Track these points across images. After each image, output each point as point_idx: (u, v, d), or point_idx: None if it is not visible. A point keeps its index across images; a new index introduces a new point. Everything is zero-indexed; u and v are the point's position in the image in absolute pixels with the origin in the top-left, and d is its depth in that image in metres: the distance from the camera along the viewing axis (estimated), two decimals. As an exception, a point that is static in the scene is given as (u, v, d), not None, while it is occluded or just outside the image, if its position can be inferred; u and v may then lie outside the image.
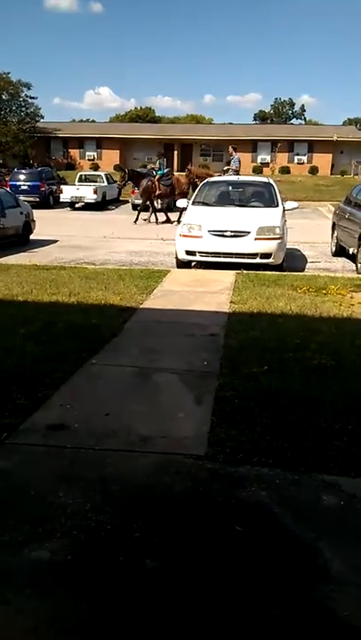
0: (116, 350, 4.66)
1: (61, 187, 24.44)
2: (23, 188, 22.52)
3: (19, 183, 23.16)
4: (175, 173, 20.05)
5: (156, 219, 17.06)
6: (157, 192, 16.82)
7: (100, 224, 17.07)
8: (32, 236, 12.85)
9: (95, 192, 23.05)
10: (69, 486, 2.51)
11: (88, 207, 22.93)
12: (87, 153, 41.23)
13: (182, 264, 9.20)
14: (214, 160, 41.60)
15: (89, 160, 40.11)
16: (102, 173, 27.39)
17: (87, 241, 13.30)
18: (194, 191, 17.72)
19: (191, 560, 2.06)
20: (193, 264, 9.21)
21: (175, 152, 40.70)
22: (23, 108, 40.24)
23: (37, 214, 13.48)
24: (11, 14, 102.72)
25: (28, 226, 12.73)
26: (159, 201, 17.35)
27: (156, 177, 16.91)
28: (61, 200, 23.61)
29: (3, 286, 7.00)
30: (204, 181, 11.20)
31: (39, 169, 26.69)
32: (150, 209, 17.20)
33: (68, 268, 8.79)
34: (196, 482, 2.59)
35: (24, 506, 2.35)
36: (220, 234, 8.75)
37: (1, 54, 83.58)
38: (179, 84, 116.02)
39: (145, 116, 61.39)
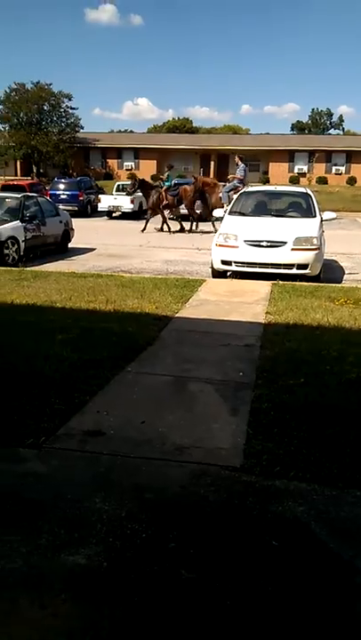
0: (152, 359, 4.69)
1: (99, 196, 24.87)
2: (62, 197, 23.03)
3: (58, 192, 23.70)
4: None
5: (169, 228, 17.37)
6: (164, 202, 17.20)
7: (137, 233, 17.25)
8: (70, 245, 13.09)
9: (132, 201, 23.32)
10: (105, 493, 2.52)
11: (125, 216, 23.23)
12: (125, 163, 41.85)
13: (218, 274, 9.20)
14: (251, 170, 41.53)
15: (127, 170, 40.70)
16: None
17: (123, 249, 13.46)
18: (201, 199, 18.15)
19: (227, 573, 2.04)
20: (228, 274, 9.20)
21: (212, 162, 40.89)
22: (64, 119, 41.14)
23: (75, 223, 13.73)
24: (53, 28, 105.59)
25: (67, 234, 12.97)
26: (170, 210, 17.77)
27: (164, 188, 17.35)
28: (99, 209, 24.01)
29: (42, 293, 7.15)
30: (241, 191, 11.20)
31: (78, 178, 27.26)
32: (178, 219, 17.66)
33: (105, 276, 8.90)
34: (231, 494, 2.57)
35: (60, 510, 2.38)
36: (257, 244, 8.72)
37: (43, 66, 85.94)
38: (216, 94, 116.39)
39: (182, 126, 61.88)
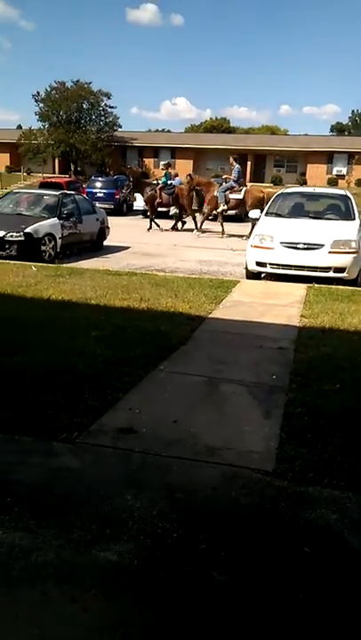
0: (184, 358, 4.68)
1: (135, 195, 24.98)
2: (99, 195, 23.28)
3: (95, 190, 23.96)
4: (248, 184, 20.19)
5: (157, 225, 17.54)
6: (158, 200, 17.34)
7: (171, 232, 17.29)
8: (106, 242, 13.21)
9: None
10: (136, 490, 2.53)
11: (160, 215, 23.29)
12: (161, 162, 41.97)
13: (252, 275, 9.13)
14: (288, 171, 41.24)
15: (162, 169, 40.83)
16: (176, 182, 27.71)
17: (158, 248, 13.50)
18: (198, 198, 18.08)
19: (258, 578, 2.01)
20: (263, 275, 9.12)
21: (248, 163, 40.65)
22: (102, 117, 41.58)
23: (111, 221, 13.85)
24: (94, 28, 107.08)
25: (103, 232, 13.10)
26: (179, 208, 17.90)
27: (159, 186, 17.52)
28: (134, 208, 24.14)
29: (77, 290, 7.23)
30: (278, 192, 11.08)
31: (115, 177, 27.48)
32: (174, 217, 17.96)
33: (139, 275, 8.95)
34: (263, 498, 2.54)
35: (92, 505, 2.40)
36: (293, 246, 8.62)
37: (84, 65, 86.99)
38: (255, 94, 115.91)
39: (220, 126, 61.75)
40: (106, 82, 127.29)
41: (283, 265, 8.68)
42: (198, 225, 17.10)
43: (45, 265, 9.60)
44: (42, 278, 8.05)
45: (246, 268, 9.24)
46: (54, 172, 39.87)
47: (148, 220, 18.11)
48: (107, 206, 19.64)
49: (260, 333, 5.52)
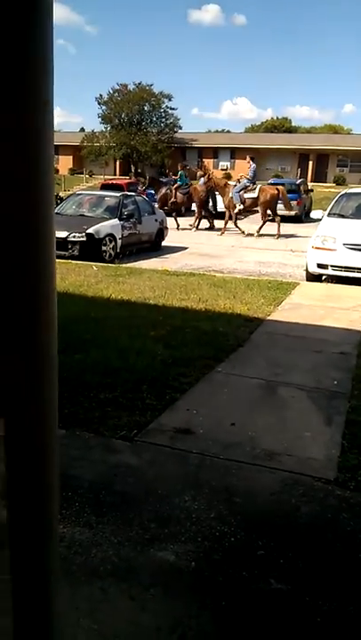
0: (242, 360, 4.64)
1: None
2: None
3: (154, 191, 24.19)
4: (309, 184, 19.90)
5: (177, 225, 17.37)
6: (172, 199, 17.29)
7: (229, 232, 17.21)
8: (164, 243, 13.32)
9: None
10: (195, 491, 2.52)
11: (218, 215, 23.25)
12: (221, 162, 41.93)
13: (312, 277, 8.94)
14: (352, 171, 40.07)
15: (222, 170, 40.71)
16: (233, 183, 27.64)
17: (215, 249, 13.47)
18: (212, 199, 17.88)
19: (318, 588, 1.96)
20: (324, 278, 8.91)
21: (310, 162, 39.89)
22: (163, 119, 41.94)
23: (169, 221, 13.95)
24: (155, 30, 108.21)
25: (162, 232, 13.22)
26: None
27: (175, 185, 17.53)
28: (193, 208, 24.20)
29: (136, 289, 7.32)
30: (342, 192, 10.78)
31: (174, 178, 27.64)
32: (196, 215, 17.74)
33: (197, 275, 8.96)
34: (324, 507, 2.47)
35: (151, 504, 2.41)
36: (357, 247, 8.37)
37: (146, 67, 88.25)
38: (318, 93, 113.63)
39: (281, 126, 60.88)
40: (167, 83, 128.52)
41: (345, 267, 8.44)
42: (223, 225, 17.10)
43: (106, 265, 9.80)
44: (102, 278, 8.21)
45: (307, 270, 9.05)
46: (115, 174, 40.61)
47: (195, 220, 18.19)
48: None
49: (321, 337, 5.39)
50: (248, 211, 17.09)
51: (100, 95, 41.86)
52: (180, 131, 42.71)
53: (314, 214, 11.21)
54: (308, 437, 3.18)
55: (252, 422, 3.37)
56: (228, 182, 17.45)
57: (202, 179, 17.81)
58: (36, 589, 1.10)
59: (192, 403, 3.63)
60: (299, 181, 26.09)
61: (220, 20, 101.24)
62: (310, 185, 29.06)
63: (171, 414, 3.42)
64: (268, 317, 6.15)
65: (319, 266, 8.73)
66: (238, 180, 16.92)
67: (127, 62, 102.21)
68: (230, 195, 16.27)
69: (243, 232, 16.67)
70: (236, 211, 16.49)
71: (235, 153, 41.68)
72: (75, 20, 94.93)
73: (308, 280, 8.93)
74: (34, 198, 0.88)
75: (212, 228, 17.69)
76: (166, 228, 13.50)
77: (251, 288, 7.72)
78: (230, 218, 16.77)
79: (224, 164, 41.67)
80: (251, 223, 16.89)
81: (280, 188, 16.94)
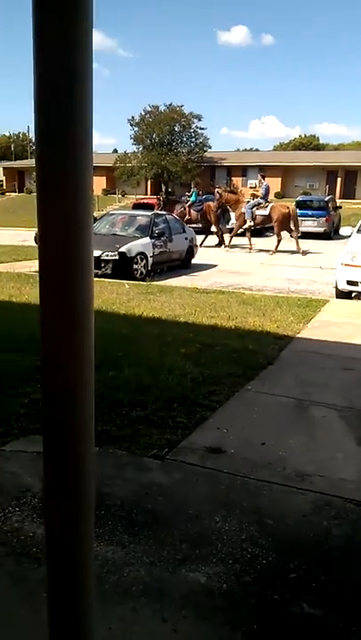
0: (272, 379, 4.62)
1: (230, 213, 25.22)
2: (187, 214, 23.67)
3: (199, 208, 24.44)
4: (337, 201, 19.89)
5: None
6: (187, 217, 17.44)
7: (258, 250, 17.20)
8: (194, 260, 13.41)
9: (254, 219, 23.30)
10: (225, 512, 2.52)
11: (255, 233, 23.28)
12: (250, 181, 41.93)
13: (342, 294, 8.85)
14: (382, 187, 39.61)
15: (250, 188, 40.80)
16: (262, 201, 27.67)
17: (245, 266, 13.48)
18: (224, 216, 17.98)
19: (352, 613, 1.93)
20: (353, 295, 8.81)
21: (338, 179, 39.66)
22: (193, 139, 42.41)
23: (199, 239, 14.05)
24: (186, 52, 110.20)
25: (192, 250, 13.33)
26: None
27: (188, 203, 17.91)
28: (228, 226, 24.33)
29: (167, 307, 7.39)
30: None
31: (203, 196, 27.88)
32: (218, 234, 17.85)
33: (227, 293, 8.98)
34: (356, 530, 2.44)
35: (182, 524, 2.42)
36: (388, 265, 8.27)
37: (176, 88, 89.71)
38: (346, 110, 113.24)
39: (309, 143, 60.90)
40: (197, 104, 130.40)
41: (376, 284, 8.35)
42: (227, 241, 17.25)
43: (137, 282, 9.92)
44: (134, 295, 8.31)
45: (336, 287, 8.97)
46: (146, 193, 41.13)
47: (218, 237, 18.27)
48: (195, 225, 19.95)
49: (352, 355, 5.33)
50: (258, 227, 17.30)
51: (132, 117, 42.67)
52: (209, 150, 43.10)
53: (343, 231, 11.14)
54: (340, 458, 3.14)
55: (283, 442, 3.35)
56: (241, 198, 17.69)
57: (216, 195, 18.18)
58: (71, 608, 1.13)
59: (222, 421, 3.64)
60: (327, 198, 25.98)
61: (249, 40, 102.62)
62: (339, 202, 28.87)
63: (201, 433, 3.43)
64: (298, 335, 6.12)
65: (349, 283, 8.65)
66: (252, 197, 17.15)
67: (158, 84, 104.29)
68: (242, 210, 16.57)
69: (250, 248, 16.88)
70: (246, 226, 16.73)
71: (263, 170, 41.73)
72: (108, 45, 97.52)
73: (337, 297, 8.85)
74: (76, 221, 0.94)
75: (220, 244, 17.83)
76: (196, 245, 13.62)
77: (280, 305, 7.70)
78: (238, 232, 17.06)
79: (253, 181, 41.55)
80: (274, 241, 16.82)
81: (291, 206, 17.17)
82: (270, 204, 16.67)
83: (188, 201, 18.51)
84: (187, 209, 17.92)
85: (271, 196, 22.58)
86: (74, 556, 1.11)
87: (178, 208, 18.16)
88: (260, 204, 16.48)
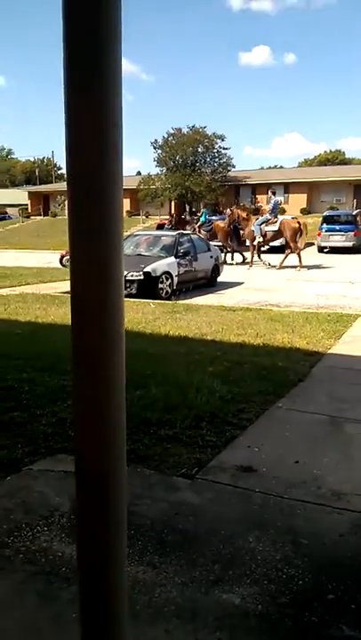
0: (303, 396, 4.53)
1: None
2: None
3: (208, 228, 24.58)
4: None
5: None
6: None
7: (283, 266, 17.11)
8: (219, 279, 13.41)
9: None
10: (259, 532, 2.45)
11: (273, 250, 23.21)
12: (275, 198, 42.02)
13: (373, 309, 8.70)
14: None
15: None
16: (289, 217, 27.64)
17: (271, 283, 13.41)
18: (235, 233, 18.12)
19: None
20: (385, 309, 8.65)
21: (365, 193, 39.31)
22: (216, 159, 42.74)
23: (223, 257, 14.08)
24: (208, 74, 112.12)
25: (217, 269, 13.35)
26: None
27: (198, 224, 18.22)
28: (247, 244, 24.35)
29: (193, 325, 7.37)
30: None
31: (198, 216, 28.14)
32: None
33: (254, 310, 8.92)
34: None
35: (214, 545, 2.36)
36: None
37: (199, 109, 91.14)
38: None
39: (334, 158, 60.78)
40: (220, 124, 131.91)
41: None
42: (250, 259, 17.46)
43: (162, 302, 9.95)
44: (160, 314, 8.33)
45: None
46: (170, 214, 41.57)
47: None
48: (219, 244, 20.04)
49: (385, 371, 5.20)
50: (268, 243, 17.54)
51: (156, 140, 43.35)
52: (233, 169, 43.35)
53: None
54: (376, 476, 3.03)
55: (317, 460, 3.26)
56: (250, 215, 18.23)
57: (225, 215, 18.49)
58: (103, 630, 1.09)
59: (253, 439, 3.57)
60: (355, 212, 25.81)
61: (271, 60, 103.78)
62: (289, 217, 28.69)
63: (231, 451, 3.37)
64: (329, 351, 6.01)
65: (380, 297, 8.51)
66: (261, 214, 17.67)
67: (181, 106, 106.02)
68: (252, 227, 16.84)
69: (263, 263, 17.30)
70: (255, 242, 16.95)
71: (288, 188, 41.73)
72: (132, 70, 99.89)
73: (368, 312, 8.70)
74: (107, 242, 0.94)
75: (227, 262, 18.11)
76: (222, 264, 13.63)
77: (309, 321, 7.59)
78: (254, 249, 17.31)
79: (278, 199, 41.71)
80: (305, 256, 16.71)
81: (301, 221, 17.38)
82: (279, 219, 16.93)
83: (198, 221, 18.80)
84: (196, 229, 18.23)
85: (297, 213, 22.58)
86: (107, 577, 1.08)
87: (188, 229, 18.38)
88: (268, 220, 16.74)
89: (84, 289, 0.98)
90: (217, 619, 1.91)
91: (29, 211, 48.01)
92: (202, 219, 18.92)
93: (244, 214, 17.89)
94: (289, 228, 16.23)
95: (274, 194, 18.14)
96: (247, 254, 18.00)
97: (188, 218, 21.10)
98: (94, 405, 1.02)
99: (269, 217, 16.74)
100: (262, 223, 16.61)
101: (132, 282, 10.58)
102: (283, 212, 36.49)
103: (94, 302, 0.98)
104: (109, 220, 0.95)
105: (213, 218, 26.71)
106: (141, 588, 2.06)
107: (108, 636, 1.10)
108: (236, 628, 1.87)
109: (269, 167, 61.34)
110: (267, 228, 16.62)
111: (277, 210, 17.45)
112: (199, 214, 19.95)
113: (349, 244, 22.58)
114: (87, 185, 0.94)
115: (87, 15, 0.89)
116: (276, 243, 23.22)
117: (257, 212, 39.49)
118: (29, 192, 51.51)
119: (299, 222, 16.80)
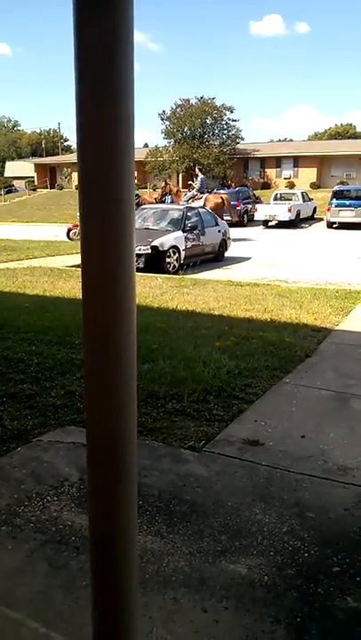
0: (310, 371, 4.53)
1: (256, 205, 25.02)
2: (220, 207, 23.58)
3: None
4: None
5: None
6: None
7: (293, 242, 16.98)
8: (227, 253, 13.32)
9: (289, 210, 23.07)
10: (265, 504, 2.48)
11: (281, 225, 23.02)
12: (283, 172, 41.41)
13: (382, 285, 8.64)
14: None
15: (285, 179, 40.23)
16: (298, 192, 27.32)
17: (280, 258, 13.31)
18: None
19: None
20: (394, 286, 8.58)
21: (377, 168, 38.64)
22: (225, 131, 42.03)
23: (232, 232, 13.95)
24: (217, 44, 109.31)
25: (225, 243, 13.24)
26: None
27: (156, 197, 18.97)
28: (255, 219, 24.14)
29: (200, 300, 7.35)
30: None
31: (236, 189, 27.74)
32: None
33: (262, 285, 8.88)
34: None
35: (221, 516, 2.39)
36: None
37: (207, 80, 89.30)
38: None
39: (345, 132, 59.60)
40: (229, 95, 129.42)
41: None
42: None
43: (170, 276, 9.91)
44: (167, 289, 8.31)
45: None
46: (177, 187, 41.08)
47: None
48: (228, 218, 19.88)
49: (394, 347, 5.18)
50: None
51: (163, 111, 42.57)
52: (242, 142, 42.64)
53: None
54: (382, 451, 3.05)
55: (323, 435, 3.28)
56: (181, 190, 19.39)
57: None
58: (114, 598, 1.11)
59: (260, 414, 3.59)
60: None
61: (282, 29, 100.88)
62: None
63: (239, 425, 3.39)
64: (337, 327, 5.99)
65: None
66: (189, 189, 18.94)
67: (189, 77, 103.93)
68: (181, 202, 17.58)
69: None
70: None
71: (298, 161, 41.08)
72: (139, 39, 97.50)
73: (377, 288, 8.63)
74: (119, 216, 0.92)
75: None
76: (229, 238, 13.51)
77: (317, 297, 7.55)
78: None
79: (287, 172, 41.10)
80: (313, 231, 16.52)
81: (224, 196, 18.86)
82: (204, 196, 18.03)
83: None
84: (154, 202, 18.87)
85: (307, 187, 22.32)
86: (118, 546, 1.10)
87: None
88: (194, 195, 18.01)
89: (95, 264, 0.97)
90: (224, 588, 1.94)
91: (36, 183, 47.61)
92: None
93: (175, 189, 18.66)
94: (211, 203, 17.23)
95: (200, 171, 20.00)
96: None
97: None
98: (106, 380, 1.02)
99: (196, 193, 18.04)
100: (190, 199, 17.74)
101: (139, 256, 10.52)
102: (292, 186, 36.12)
103: (106, 277, 0.96)
104: (121, 193, 0.93)
105: (222, 191, 26.56)
106: (150, 558, 2.10)
107: (118, 602, 1.12)
108: (242, 597, 1.90)
109: (279, 140, 60.27)
110: (193, 204, 17.43)
111: (204, 187, 18.85)
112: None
113: (360, 219, 22.31)
114: (98, 159, 0.91)
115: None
116: (286, 218, 23.14)
117: (266, 186, 39.19)
118: (36, 164, 50.97)
119: (222, 197, 18.25)
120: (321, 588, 1.95)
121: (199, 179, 18.89)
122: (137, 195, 18.98)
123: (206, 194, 18.64)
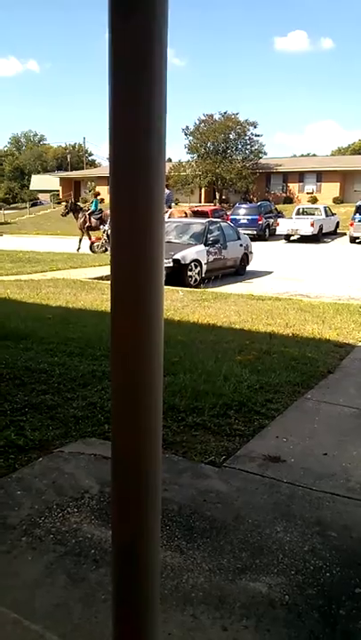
0: (333, 387, 4.48)
1: (278, 220, 25.04)
2: (242, 221, 23.67)
3: (238, 217, 24.45)
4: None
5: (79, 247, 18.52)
6: (87, 224, 18.96)
7: (315, 256, 16.89)
8: (249, 267, 13.31)
9: (312, 225, 23.01)
10: (286, 523, 2.45)
11: (303, 239, 22.95)
12: (306, 187, 41.34)
13: None
14: None
15: (308, 194, 40.15)
16: (321, 206, 27.27)
17: (302, 273, 13.25)
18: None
19: None
20: None
21: None
22: (248, 146, 42.20)
23: (254, 246, 13.94)
24: (242, 59, 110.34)
25: (246, 257, 13.25)
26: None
27: (89, 211, 19.20)
28: (277, 233, 24.14)
29: (222, 314, 7.34)
30: None
31: (258, 203, 27.81)
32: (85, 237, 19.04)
33: (283, 300, 8.83)
34: None
35: (241, 533, 2.37)
36: None
37: (231, 95, 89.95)
38: None
39: (369, 147, 59.32)
40: (253, 110, 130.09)
41: None
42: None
43: (191, 289, 9.94)
44: (188, 302, 8.32)
45: None
46: (200, 201, 41.27)
47: (78, 241, 19.00)
48: (249, 232, 19.90)
49: None
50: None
51: (187, 126, 43.00)
52: (264, 157, 42.74)
53: None
54: None
55: (346, 453, 3.23)
56: (83, 207, 20.27)
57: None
58: (135, 612, 1.11)
59: (281, 430, 3.55)
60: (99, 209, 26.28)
61: (307, 45, 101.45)
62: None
63: (260, 441, 3.36)
64: (360, 343, 5.92)
65: None
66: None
67: (213, 92, 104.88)
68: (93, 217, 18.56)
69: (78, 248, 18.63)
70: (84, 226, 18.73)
71: (321, 176, 40.99)
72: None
73: None
74: (149, 230, 0.94)
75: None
76: (251, 252, 13.52)
77: (340, 312, 7.49)
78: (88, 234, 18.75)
79: (310, 187, 41.00)
80: (336, 246, 16.41)
81: (187, 211, 20.04)
82: (170, 210, 18.84)
83: (88, 209, 19.69)
84: (87, 217, 19.12)
85: (330, 202, 22.25)
86: (141, 561, 1.09)
87: (80, 217, 19.36)
88: (93, 212, 18.88)
89: (126, 278, 0.98)
90: (244, 606, 1.92)
91: (60, 197, 48.38)
92: (93, 207, 19.80)
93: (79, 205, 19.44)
94: (175, 217, 17.65)
95: (167, 187, 20.31)
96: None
97: (81, 205, 21.92)
98: (133, 393, 1.02)
99: (93, 208, 18.80)
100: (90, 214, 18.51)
101: (161, 269, 10.58)
102: (314, 201, 35.99)
103: (136, 291, 0.98)
104: (151, 207, 0.95)
105: (243, 205, 26.61)
106: (169, 573, 2.08)
107: (140, 618, 1.12)
108: (262, 616, 1.87)
109: (302, 155, 60.27)
110: (93, 218, 18.51)
111: (171, 202, 19.74)
112: (90, 202, 20.71)
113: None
114: (129, 175, 0.93)
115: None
116: (308, 232, 23.07)
117: (288, 200, 39.09)
118: (61, 178, 51.86)
119: (185, 212, 19.52)
120: (343, 610, 1.91)
121: (166, 194, 19.26)
122: (100, 210, 19.35)
123: (172, 209, 19.40)
